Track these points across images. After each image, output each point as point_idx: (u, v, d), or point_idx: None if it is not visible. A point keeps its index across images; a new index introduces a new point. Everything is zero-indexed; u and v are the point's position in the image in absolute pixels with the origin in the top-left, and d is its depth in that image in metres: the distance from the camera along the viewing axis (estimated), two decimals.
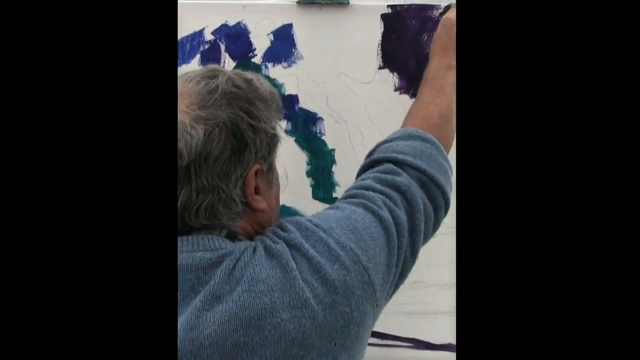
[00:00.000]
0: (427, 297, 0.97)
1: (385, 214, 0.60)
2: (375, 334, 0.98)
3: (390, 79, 0.94)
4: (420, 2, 0.92)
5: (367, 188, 0.64)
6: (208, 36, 0.93)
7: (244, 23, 0.93)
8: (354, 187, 0.66)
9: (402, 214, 0.62)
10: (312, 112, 0.95)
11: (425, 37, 0.93)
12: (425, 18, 0.92)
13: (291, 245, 0.56)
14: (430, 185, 0.66)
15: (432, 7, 0.92)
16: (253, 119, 0.58)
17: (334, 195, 0.96)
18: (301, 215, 0.95)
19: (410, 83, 0.94)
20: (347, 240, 0.57)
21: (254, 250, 0.57)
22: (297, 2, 0.92)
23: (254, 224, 0.62)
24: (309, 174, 0.96)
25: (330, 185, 0.96)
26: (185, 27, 0.92)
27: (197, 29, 0.93)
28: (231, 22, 0.93)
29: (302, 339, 0.52)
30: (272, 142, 0.62)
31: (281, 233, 0.58)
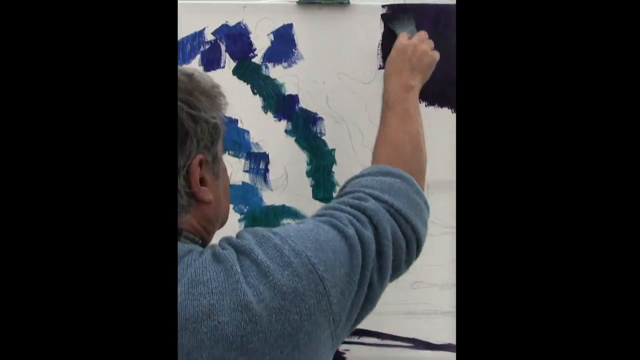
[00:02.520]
0: (427, 297, 0.97)
1: (351, 231, 0.59)
2: (375, 334, 0.98)
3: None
4: (420, 2, 0.92)
5: (334, 209, 0.63)
6: (208, 36, 0.93)
7: (244, 23, 0.93)
8: (322, 208, 0.65)
9: (369, 234, 0.61)
10: (312, 112, 0.95)
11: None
12: (425, 17, 0.92)
13: (241, 251, 0.56)
14: (399, 219, 0.65)
15: (432, 6, 0.92)
16: (193, 109, 0.58)
17: (334, 195, 0.96)
18: (302, 215, 0.96)
19: None
20: (303, 248, 0.55)
21: (201, 254, 0.56)
22: (297, 2, 0.92)
23: (201, 219, 0.61)
24: (309, 174, 0.96)
25: (330, 185, 0.96)
26: (185, 27, 0.92)
27: (197, 29, 0.93)
28: (231, 22, 0.93)
29: (242, 343, 0.50)
30: (214, 132, 0.61)
31: (234, 240, 0.58)
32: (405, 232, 0.65)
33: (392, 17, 0.92)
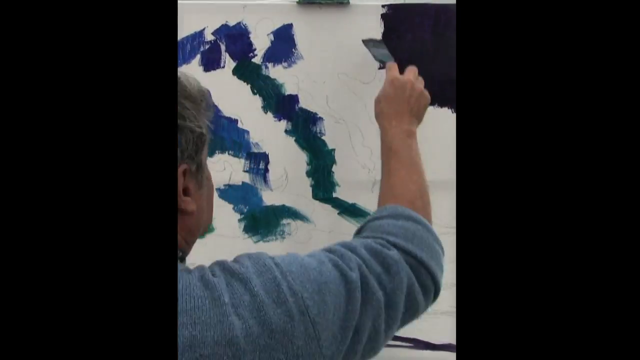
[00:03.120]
0: None
1: (354, 275, 0.57)
2: None
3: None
4: (420, 2, 0.92)
5: (349, 248, 0.61)
6: (208, 36, 0.93)
7: (244, 23, 0.93)
8: (338, 244, 0.63)
9: (374, 283, 0.59)
10: (312, 112, 0.95)
11: (426, 36, 0.93)
12: (425, 17, 0.92)
13: (237, 278, 0.53)
14: (421, 270, 0.64)
15: (432, 6, 0.92)
16: (178, 117, 0.56)
17: (334, 195, 0.96)
18: (302, 215, 0.96)
19: None
20: (301, 288, 0.53)
21: (185, 275, 0.53)
22: (297, 2, 0.92)
23: (182, 230, 0.58)
24: (309, 174, 0.96)
25: (330, 185, 0.96)
26: (185, 27, 0.92)
27: (197, 29, 0.93)
28: (231, 23, 0.93)
29: None
30: (199, 141, 0.59)
31: (230, 265, 0.55)
32: (424, 282, 0.64)
33: (366, 41, 0.92)
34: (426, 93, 0.84)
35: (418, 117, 0.82)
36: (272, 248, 0.95)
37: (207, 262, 0.57)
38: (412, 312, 0.64)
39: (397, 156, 0.76)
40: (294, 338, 0.51)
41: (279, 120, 0.95)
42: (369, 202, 0.94)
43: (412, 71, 0.85)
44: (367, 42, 0.92)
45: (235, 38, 0.93)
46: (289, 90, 0.94)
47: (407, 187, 0.74)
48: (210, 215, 0.66)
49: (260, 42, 0.93)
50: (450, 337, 0.97)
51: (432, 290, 0.66)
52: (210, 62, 0.93)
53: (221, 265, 0.56)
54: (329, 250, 0.61)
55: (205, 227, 0.65)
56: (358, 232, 0.69)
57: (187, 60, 0.93)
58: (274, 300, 0.52)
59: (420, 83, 0.84)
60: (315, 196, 0.96)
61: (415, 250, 0.64)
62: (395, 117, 0.79)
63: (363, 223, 0.70)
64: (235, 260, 0.57)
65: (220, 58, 0.93)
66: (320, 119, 0.95)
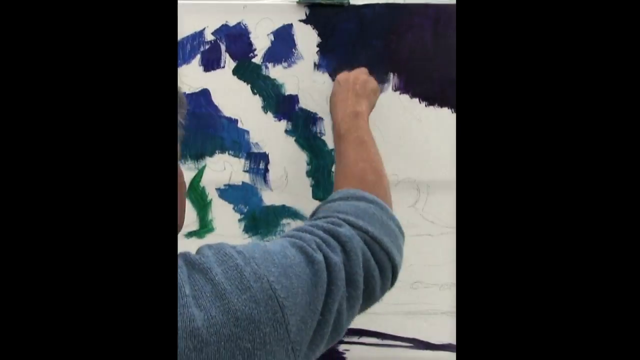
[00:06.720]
0: (427, 297, 0.97)
1: (318, 256, 0.56)
2: (375, 334, 0.98)
3: (390, 79, 0.94)
4: (420, 2, 0.92)
5: (307, 231, 0.61)
6: (208, 36, 0.93)
7: (244, 23, 0.93)
8: (295, 229, 0.63)
9: (337, 261, 0.57)
10: (312, 112, 0.95)
11: (427, 36, 0.93)
12: (425, 17, 0.92)
13: (197, 269, 0.52)
14: (374, 246, 0.62)
15: (432, 6, 0.92)
16: None
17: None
18: (302, 215, 0.96)
19: (410, 83, 0.94)
20: (266, 272, 0.52)
21: None
22: (297, 2, 0.92)
23: None
24: (309, 174, 0.96)
25: (330, 185, 0.96)
26: (185, 27, 0.92)
27: (197, 29, 0.93)
28: (231, 22, 0.93)
29: None
30: None
31: (191, 256, 0.54)
32: (379, 260, 0.63)
33: None
34: (374, 82, 0.86)
35: (366, 98, 0.83)
36: None
37: None
38: (369, 291, 0.62)
39: (344, 139, 0.77)
40: (260, 324, 0.50)
41: (279, 120, 0.95)
42: None
43: (359, 69, 0.88)
44: None
45: (235, 38, 0.93)
46: (289, 90, 0.94)
47: (357, 165, 0.74)
48: (182, 213, 0.62)
49: (260, 42, 0.93)
50: (450, 337, 0.98)
51: (389, 269, 0.64)
52: (210, 62, 0.93)
53: (183, 257, 0.54)
54: (289, 236, 0.60)
55: (180, 226, 0.62)
56: (311, 216, 0.69)
57: (187, 60, 0.93)
58: (237, 287, 0.50)
59: (367, 75, 0.87)
60: (315, 196, 0.96)
61: (366, 226, 0.63)
62: (340, 103, 0.81)
63: (316, 207, 0.70)
64: (198, 251, 0.56)
65: (220, 58, 0.93)
66: (320, 119, 0.95)
